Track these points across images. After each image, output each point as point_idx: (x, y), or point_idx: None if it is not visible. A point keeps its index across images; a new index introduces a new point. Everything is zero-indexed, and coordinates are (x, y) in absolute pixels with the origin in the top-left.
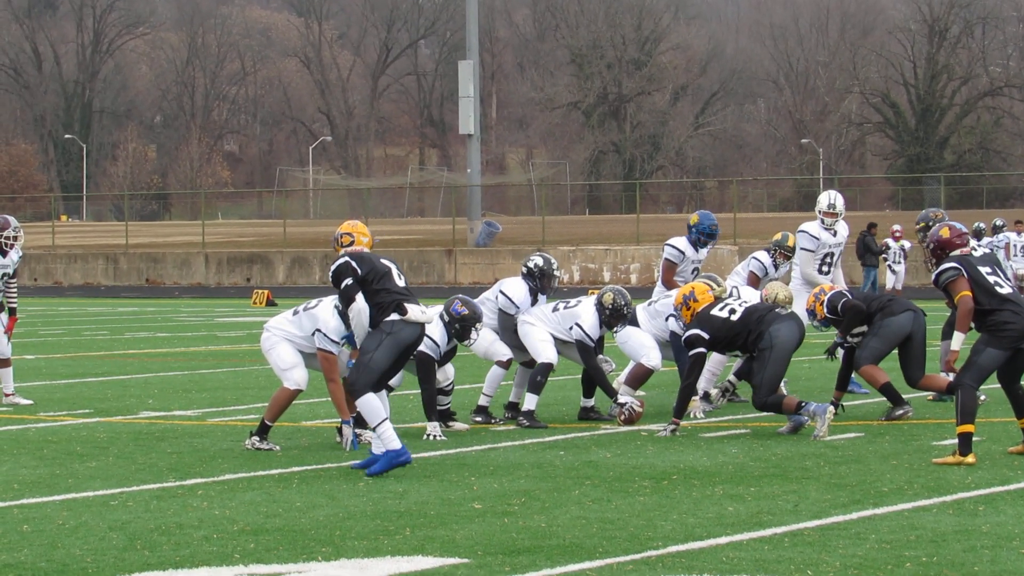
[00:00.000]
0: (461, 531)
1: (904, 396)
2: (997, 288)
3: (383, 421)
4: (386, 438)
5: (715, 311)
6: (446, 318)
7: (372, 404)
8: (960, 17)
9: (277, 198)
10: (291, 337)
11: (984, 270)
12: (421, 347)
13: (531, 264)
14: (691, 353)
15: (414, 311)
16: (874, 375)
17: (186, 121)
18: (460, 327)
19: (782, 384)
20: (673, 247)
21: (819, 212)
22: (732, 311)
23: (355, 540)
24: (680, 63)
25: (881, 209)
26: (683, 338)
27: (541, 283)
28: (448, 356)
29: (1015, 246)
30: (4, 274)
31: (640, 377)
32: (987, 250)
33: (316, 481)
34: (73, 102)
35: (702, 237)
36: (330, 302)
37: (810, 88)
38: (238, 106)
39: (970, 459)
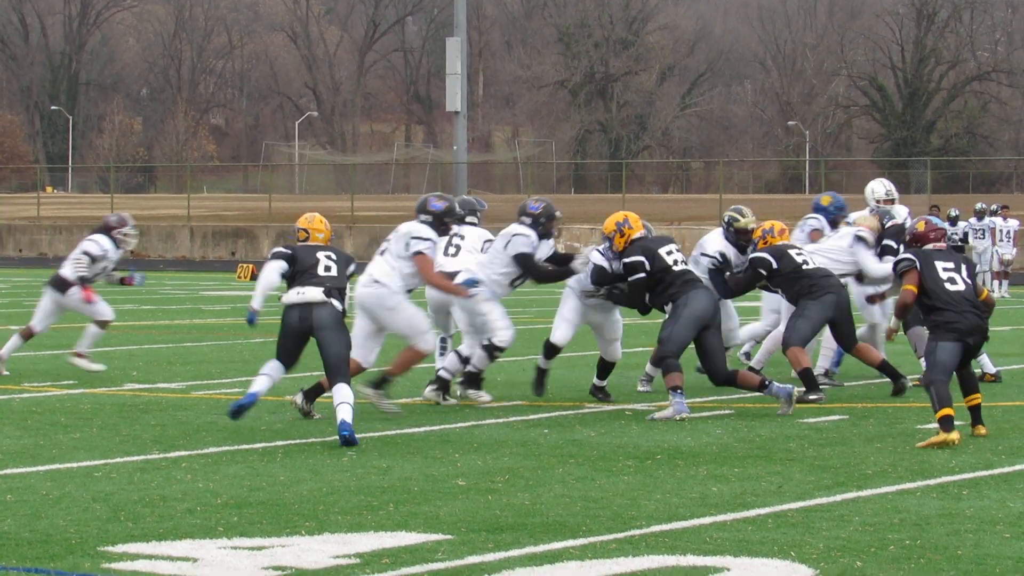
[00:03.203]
0: (445, 507)
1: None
2: (948, 285)
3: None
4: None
5: (662, 251)
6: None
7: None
8: (948, 1)
9: (263, 173)
10: (407, 282)
11: (941, 265)
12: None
13: (531, 208)
14: (633, 279)
15: (289, 294)
16: (798, 358)
17: (172, 94)
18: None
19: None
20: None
21: (876, 201)
22: (676, 262)
23: (338, 515)
24: (667, 43)
25: None
26: (624, 263)
27: (545, 227)
28: None
29: (1001, 231)
30: (104, 266)
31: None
32: (960, 239)
33: (300, 455)
34: (60, 74)
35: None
36: (407, 226)
37: (797, 70)
38: (225, 80)
39: (954, 435)
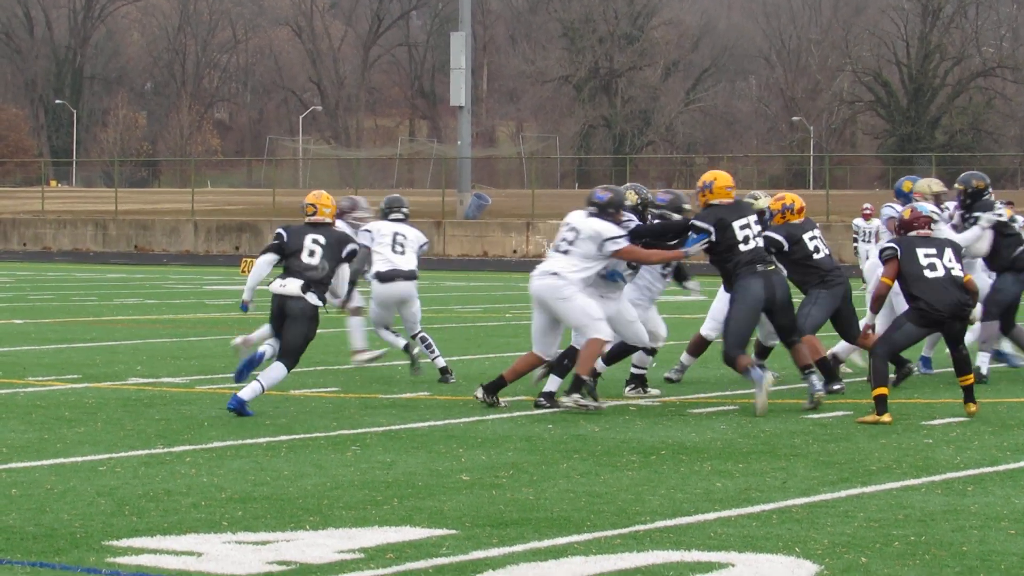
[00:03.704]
0: (449, 502)
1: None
2: (926, 272)
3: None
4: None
5: (736, 224)
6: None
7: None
8: None
9: (267, 167)
10: (586, 278)
11: (923, 252)
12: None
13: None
14: (673, 224)
15: (273, 285)
16: (815, 346)
17: (177, 88)
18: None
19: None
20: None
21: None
22: (747, 238)
23: (343, 510)
24: (672, 38)
25: (871, 188)
26: (692, 223)
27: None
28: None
29: None
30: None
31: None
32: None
33: (304, 450)
34: (64, 67)
35: None
36: (587, 225)
37: (802, 66)
38: (229, 74)
39: (886, 418)
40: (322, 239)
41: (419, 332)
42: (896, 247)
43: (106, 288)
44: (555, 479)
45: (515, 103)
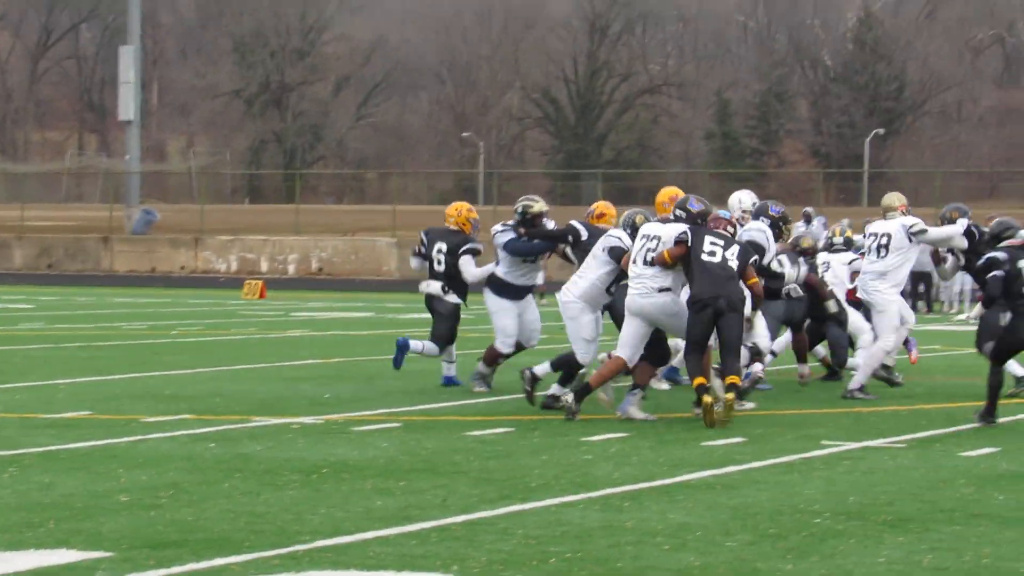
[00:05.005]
0: (107, 524)
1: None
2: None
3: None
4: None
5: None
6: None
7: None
8: (621, 15)
9: None
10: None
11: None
12: None
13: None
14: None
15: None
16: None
17: None
18: None
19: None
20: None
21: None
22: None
23: None
24: (343, 53)
25: None
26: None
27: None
28: None
29: None
30: None
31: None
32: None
33: None
34: None
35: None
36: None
37: (472, 81)
38: None
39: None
40: (444, 246)
41: None
42: None
43: None
44: (216, 499)
45: (186, 117)
